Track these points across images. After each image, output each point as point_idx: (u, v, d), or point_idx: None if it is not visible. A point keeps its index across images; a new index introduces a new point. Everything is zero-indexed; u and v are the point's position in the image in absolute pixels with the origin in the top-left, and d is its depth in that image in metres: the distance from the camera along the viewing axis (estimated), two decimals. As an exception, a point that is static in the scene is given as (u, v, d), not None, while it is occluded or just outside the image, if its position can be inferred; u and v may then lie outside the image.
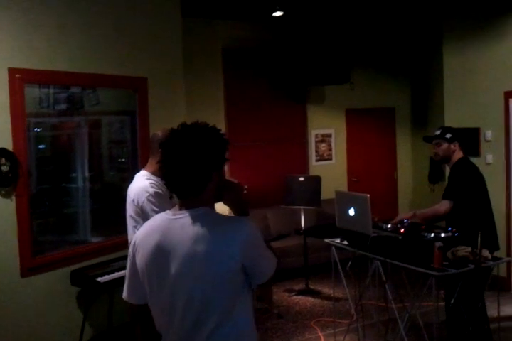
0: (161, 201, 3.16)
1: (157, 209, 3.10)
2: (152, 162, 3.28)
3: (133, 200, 3.26)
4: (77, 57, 4.48)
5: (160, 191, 3.21)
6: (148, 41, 5.20)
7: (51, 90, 4.80)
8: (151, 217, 2.96)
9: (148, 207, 3.16)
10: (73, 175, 5.12)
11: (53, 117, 5.12)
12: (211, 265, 1.77)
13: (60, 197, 5.02)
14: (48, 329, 4.17)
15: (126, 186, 5.51)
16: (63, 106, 4.99)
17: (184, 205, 1.86)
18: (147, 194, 3.18)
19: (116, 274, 4.22)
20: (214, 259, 1.77)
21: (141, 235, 1.94)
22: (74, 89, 4.94)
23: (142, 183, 3.26)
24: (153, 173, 3.28)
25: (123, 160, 5.64)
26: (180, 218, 1.83)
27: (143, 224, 3.05)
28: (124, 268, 4.48)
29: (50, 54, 4.27)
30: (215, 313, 1.79)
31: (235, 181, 2.04)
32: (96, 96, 5.12)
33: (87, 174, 5.12)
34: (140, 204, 3.21)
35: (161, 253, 1.83)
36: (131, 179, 5.31)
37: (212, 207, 1.90)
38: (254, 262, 1.84)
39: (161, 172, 1.86)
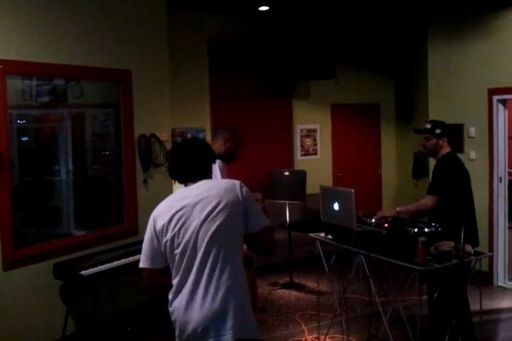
0: None
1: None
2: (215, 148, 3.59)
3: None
4: (61, 49, 4.43)
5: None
6: (133, 33, 5.16)
7: (34, 82, 4.73)
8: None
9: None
10: (56, 167, 5.06)
11: (36, 109, 5.05)
12: (226, 205, 2.38)
13: (43, 189, 4.97)
14: (30, 323, 4.14)
15: (111, 179, 5.46)
16: (46, 99, 4.92)
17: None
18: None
19: (100, 267, 4.19)
20: (227, 201, 2.39)
21: (159, 210, 2.51)
22: (57, 81, 4.88)
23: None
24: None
25: (107, 153, 5.59)
26: (192, 184, 2.53)
27: None
28: (109, 261, 4.50)
29: (33, 45, 4.21)
30: (226, 252, 2.34)
31: None
32: (80, 89, 5.06)
33: (70, 167, 5.07)
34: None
35: (183, 211, 2.41)
36: (115, 172, 5.30)
37: None
38: (251, 208, 2.45)
39: (169, 170, 2.64)
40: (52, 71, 4.46)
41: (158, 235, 2.44)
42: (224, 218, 2.36)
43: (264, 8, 6.41)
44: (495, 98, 5.87)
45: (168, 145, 5.61)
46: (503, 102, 5.89)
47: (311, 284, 6.12)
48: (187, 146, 2.64)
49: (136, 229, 5.11)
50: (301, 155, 7.69)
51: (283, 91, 7.55)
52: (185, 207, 2.41)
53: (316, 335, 4.62)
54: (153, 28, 5.43)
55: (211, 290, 2.30)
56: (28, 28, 4.16)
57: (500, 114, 5.89)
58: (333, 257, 4.22)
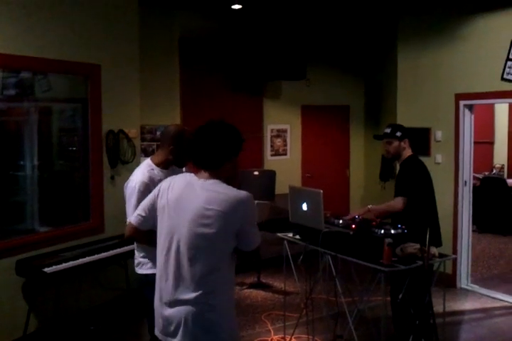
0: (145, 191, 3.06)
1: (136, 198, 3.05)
2: (160, 153, 3.29)
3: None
4: (28, 41, 4.34)
5: (148, 182, 3.12)
6: (103, 28, 5.09)
7: (0, 74, 4.62)
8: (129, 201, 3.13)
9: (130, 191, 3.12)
10: (21, 162, 4.95)
11: (2, 102, 4.93)
12: (218, 222, 2.30)
13: (7, 184, 4.85)
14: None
15: (77, 175, 5.37)
16: (12, 92, 4.81)
17: (205, 174, 2.45)
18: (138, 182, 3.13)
19: (64, 265, 4.12)
20: (221, 218, 2.31)
21: (168, 184, 2.49)
22: (24, 74, 4.77)
23: (140, 171, 3.21)
24: (157, 164, 3.24)
25: (74, 148, 5.49)
26: (201, 182, 2.42)
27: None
28: (73, 259, 4.42)
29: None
30: (205, 264, 2.35)
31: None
32: (47, 82, 4.96)
33: (36, 162, 4.96)
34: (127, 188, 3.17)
35: (178, 204, 2.39)
36: (81, 168, 5.22)
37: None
38: (247, 230, 2.41)
39: (189, 152, 2.51)
40: (19, 63, 4.36)
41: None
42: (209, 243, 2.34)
43: (237, 6, 6.39)
44: (462, 103, 5.96)
45: (137, 142, 5.55)
46: (470, 107, 5.99)
47: (278, 284, 6.13)
48: (214, 128, 2.53)
49: (102, 227, 5.04)
50: (271, 155, 7.70)
51: (254, 91, 7.54)
52: (177, 211, 2.39)
53: (282, 335, 4.62)
54: (124, 24, 5.36)
55: None
56: (-5, 19, 4.06)
57: (467, 119, 6.00)
58: (301, 257, 4.23)
